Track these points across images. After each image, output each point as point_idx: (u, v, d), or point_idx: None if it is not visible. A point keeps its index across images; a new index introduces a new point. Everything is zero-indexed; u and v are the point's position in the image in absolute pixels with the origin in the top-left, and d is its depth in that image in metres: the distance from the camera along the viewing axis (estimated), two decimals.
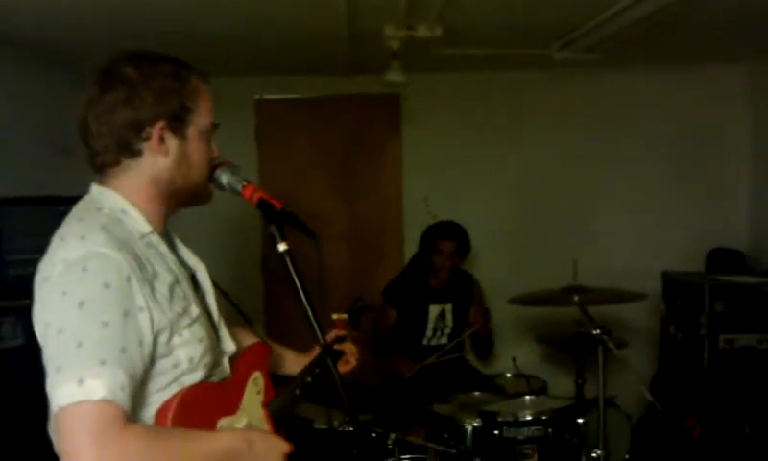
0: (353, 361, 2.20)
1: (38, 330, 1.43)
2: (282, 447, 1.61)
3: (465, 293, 4.26)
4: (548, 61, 4.11)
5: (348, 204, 4.96)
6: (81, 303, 1.36)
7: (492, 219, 4.87)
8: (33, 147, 3.70)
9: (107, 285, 1.38)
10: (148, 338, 1.42)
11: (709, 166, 4.96)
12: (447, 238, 4.12)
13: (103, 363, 1.33)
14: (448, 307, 4.21)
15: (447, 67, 4.58)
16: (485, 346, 4.31)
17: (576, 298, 3.35)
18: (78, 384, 1.31)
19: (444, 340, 4.17)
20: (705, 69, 4.84)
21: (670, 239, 4.88)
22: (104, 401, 1.31)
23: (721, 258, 4.72)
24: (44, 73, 3.88)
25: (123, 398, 1.34)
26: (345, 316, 2.29)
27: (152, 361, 1.46)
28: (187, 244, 1.75)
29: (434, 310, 4.19)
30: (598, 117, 4.91)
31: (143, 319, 1.41)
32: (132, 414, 1.41)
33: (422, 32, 3.45)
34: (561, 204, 4.94)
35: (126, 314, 1.39)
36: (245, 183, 1.68)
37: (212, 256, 1.91)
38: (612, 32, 3.47)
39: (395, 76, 3.69)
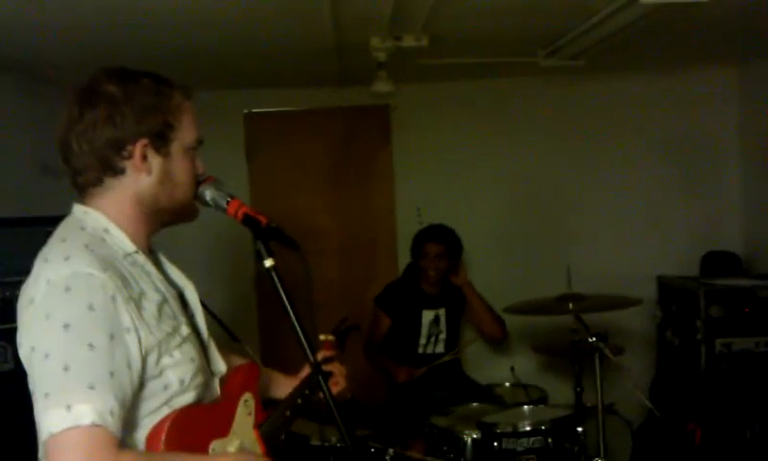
0: (342, 382, 2.15)
1: (23, 354, 1.39)
2: None
3: (457, 298, 4.21)
4: (535, 69, 4.11)
5: (339, 216, 4.93)
6: (66, 326, 1.32)
7: (485, 227, 4.85)
8: (17, 168, 3.66)
9: (91, 307, 1.34)
10: (136, 360, 1.39)
11: (701, 170, 4.94)
12: (433, 241, 4.10)
13: (91, 387, 1.30)
14: (441, 312, 4.17)
15: (435, 77, 4.57)
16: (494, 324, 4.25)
17: (571, 306, 3.34)
18: (66, 410, 1.27)
19: (439, 348, 4.13)
20: (693, 73, 4.84)
21: (664, 244, 4.87)
22: (93, 427, 1.28)
23: (716, 262, 4.71)
24: (27, 93, 3.84)
25: (113, 423, 1.31)
26: (332, 337, 2.26)
27: (141, 384, 1.42)
28: (176, 262, 1.72)
29: (427, 316, 4.15)
30: (589, 123, 4.89)
31: (130, 340, 1.38)
32: (122, 439, 1.38)
33: (409, 42, 3.43)
34: (553, 210, 4.92)
35: (112, 336, 1.35)
36: (229, 199, 1.64)
37: (205, 274, 1.90)
38: (598, 39, 3.46)
39: (382, 86, 3.68)
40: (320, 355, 2.13)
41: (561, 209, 4.92)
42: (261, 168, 4.84)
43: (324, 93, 4.77)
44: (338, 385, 2.14)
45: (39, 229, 1.52)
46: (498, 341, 4.41)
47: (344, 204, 4.94)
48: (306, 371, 2.05)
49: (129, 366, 1.37)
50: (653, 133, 4.91)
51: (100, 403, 1.29)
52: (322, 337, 2.23)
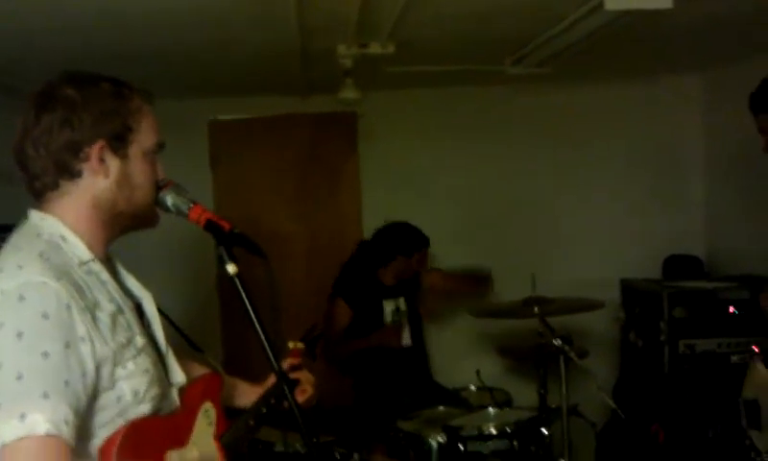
0: (310, 390, 2.13)
1: None
2: None
3: (414, 286, 4.24)
4: (502, 77, 4.14)
5: (306, 224, 4.92)
6: (19, 335, 1.30)
7: (451, 233, 4.87)
8: None
9: (45, 315, 1.32)
10: (91, 370, 1.37)
11: (665, 175, 5.03)
12: (428, 246, 4.20)
13: (45, 396, 1.28)
14: (401, 301, 4.18)
15: (402, 84, 4.59)
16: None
17: (536, 309, 3.37)
18: (20, 419, 1.25)
19: (405, 340, 4.12)
20: (658, 81, 4.92)
21: (628, 248, 4.93)
22: (48, 436, 1.26)
23: (678, 265, 4.78)
24: None
25: (68, 432, 1.29)
26: (301, 345, 2.24)
27: (95, 394, 1.40)
28: (135, 271, 1.70)
29: (389, 305, 4.15)
30: (554, 131, 4.95)
31: (85, 350, 1.36)
32: (75, 450, 1.36)
33: (375, 49, 3.45)
34: (519, 216, 4.97)
35: (67, 345, 1.33)
36: (191, 205, 1.62)
37: (166, 282, 1.88)
38: (564, 45, 3.50)
39: (349, 93, 3.69)
40: (286, 363, 2.10)
41: (526, 215, 4.97)
42: (226, 177, 4.82)
43: (290, 101, 4.77)
44: (305, 393, 2.12)
45: None
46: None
47: (310, 211, 4.94)
48: (272, 379, 2.03)
49: (83, 375, 1.35)
50: (618, 140, 4.99)
51: (54, 413, 1.27)
52: (291, 345, 2.21)
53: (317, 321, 2.72)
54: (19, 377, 1.28)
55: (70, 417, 1.30)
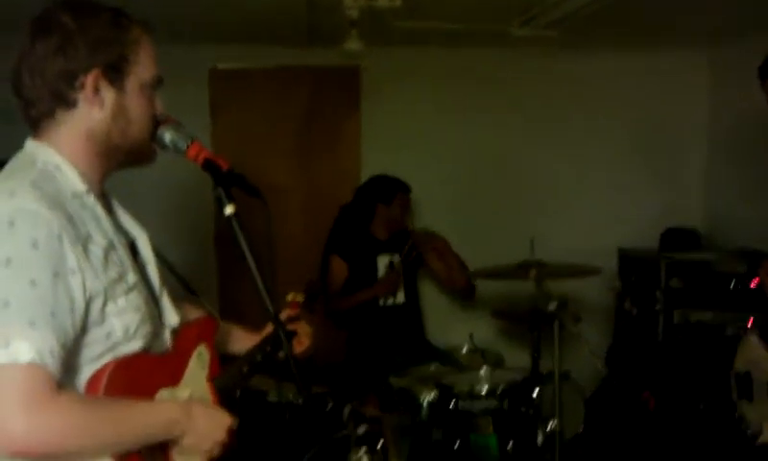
0: (307, 342, 2.13)
1: None
2: (226, 420, 1.54)
3: (404, 244, 4.22)
4: (509, 39, 4.09)
5: (304, 178, 4.88)
6: (7, 261, 1.28)
7: (450, 195, 4.86)
8: None
9: (35, 244, 1.30)
10: (80, 303, 1.34)
11: (666, 147, 5.01)
12: (406, 192, 4.18)
13: (32, 324, 1.25)
14: (396, 257, 4.18)
15: (408, 41, 4.52)
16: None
17: (533, 273, 3.36)
18: (4, 346, 1.23)
19: (400, 298, 4.12)
20: (664, 54, 4.86)
21: (626, 218, 4.93)
22: (32, 365, 1.24)
23: (675, 238, 4.77)
24: None
25: (53, 363, 1.27)
26: (300, 297, 2.23)
27: (84, 329, 1.38)
28: (130, 210, 1.68)
29: (383, 260, 4.15)
30: (558, 96, 4.91)
31: (74, 282, 1.33)
32: (62, 384, 1.35)
33: (382, 1, 3.39)
34: (519, 181, 4.94)
35: (56, 275, 1.31)
36: (189, 142, 1.59)
37: (162, 226, 1.86)
38: (573, 9, 3.46)
39: (353, 45, 3.63)
40: (284, 314, 2.10)
41: (527, 180, 4.94)
42: (225, 127, 4.75)
43: (292, 52, 4.69)
44: (302, 345, 2.12)
45: None
46: (463, 292, 4.46)
47: (309, 165, 4.89)
48: (269, 328, 2.02)
49: (71, 308, 1.32)
50: (621, 110, 4.95)
51: (40, 342, 1.25)
52: (290, 297, 2.21)
53: (314, 275, 2.71)
54: (5, 304, 1.26)
55: (56, 348, 1.28)
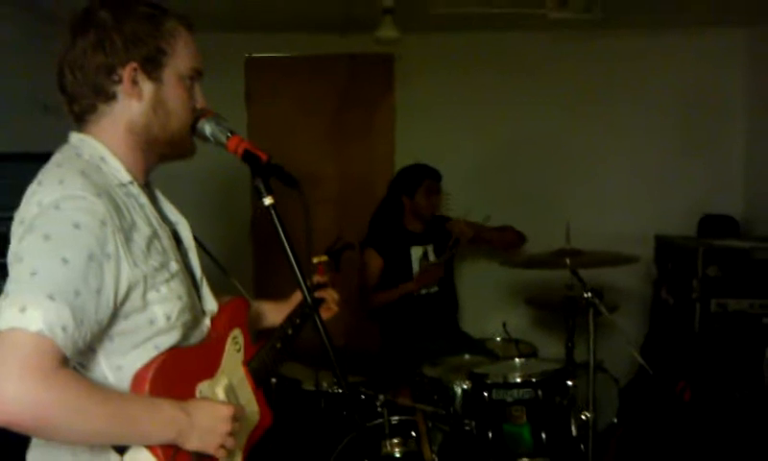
0: (334, 307, 2.14)
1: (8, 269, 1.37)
2: (224, 411, 1.50)
3: (442, 233, 4.18)
4: (544, 22, 4.04)
5: (338, 166, 4.90)
6: (46, 236, 1.31)
7: (485, 181, 4.83)
8: (17, 104, 3.62)
9: (77, 225, 1.33)
10: (109, 290, 1.35)
11: (705, 132, 4.91)
12: (434, 178, 4.11)
13: (51, 298, 1.26)
14: (430, 248, 4.15)
15: (442, 27, 4.50)
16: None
17: (568, 261, 3.33)
18: (20, 311, 1.24)
19: (434, 288, 4.10)
20: (703, 33, 4.78)
21: (664, 204, 4.85)
22: (40, 335, 1.24)
23: (713, 224, 4.70)
24: (25, 28, 3.78)
25: (63, 339, 1.26)
26: (325, 258, 2.24)
27: (123, 315, 1.41)
28: (171, 201, 1.70)
29: (416, 252, 4.13)
30: (595, 80, 4.85)
31: (108, 268, 1.35)
32: (103, 376, 1.39)
33: None
34: (554, 167, 4.89)
35: (91, 258, 1.32)
36: (229, 134, 1.61)
37: (200, 217, 1.87)
38: None
39: (387, 32, 3.62)
40: (312, 281, 2.11)
41: (563, 166, 4.89)
42: (260, 115, 4.79)
43: (327, 39, 4.70)
44: (330, 311, 2.14)
45: (37, 165, 1.50)
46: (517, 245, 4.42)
47: (344, 153, 4.91)
48: (298, 295, 2.03)
49: (98, 292, 1.33)
50: (658, 93, 4.87)
51: (54, 315, 1.26)
52: (315, 260, 2.21)
53: (341, 235, 2.71)
54: (33, 274, 1.28)
55: (70, 326, 1.28)
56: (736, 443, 3.62)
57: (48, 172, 1.44)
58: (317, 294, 2.11)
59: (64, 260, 1.30)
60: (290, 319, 1.98)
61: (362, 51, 4.66)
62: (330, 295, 2.15)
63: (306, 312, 1.94)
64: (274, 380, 3.11)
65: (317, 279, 2.16)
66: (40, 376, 1.24)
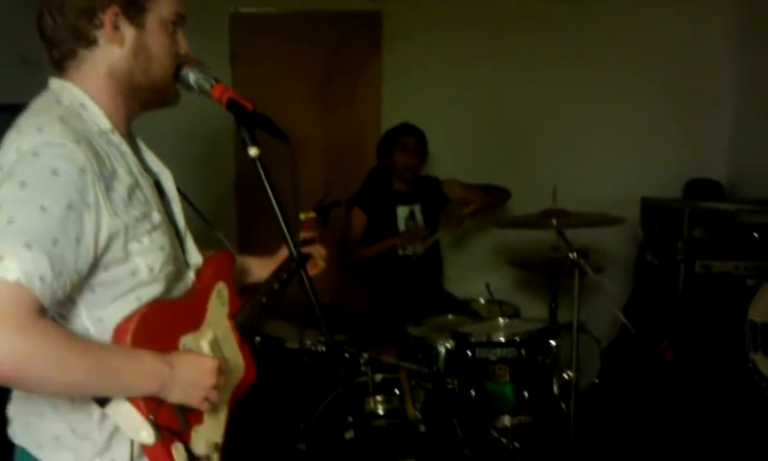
0: (321, 264, 2.12)
1: None
2: (208, 363, 1.48)
3: (432, 194, 4.19)
4: None
5: (325, 124, 4.86)
6: (23, 183, 1.28)
7: (472, 144, 4.81)
8: None
9: (55, 172, 1.29)
10: (89, 239, 1.33)
11: (692, 97, 4.90)
12: (409, 134, 4.09)
13: (28, 246, 1.23)
14: (417, 208, 4.15)
15: None
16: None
17: (554, 221, 3.33)
18: None
19: (419, 248, 4.10)
20: (691, 1, 4.75)
21: (650, 168, 4.85)
22: (17, 284, 1.21)
23: (699, 189, 4.71)
24: None
25: (41, 289, 1.24)
26: (313, 214, 2.22)
27: (103, 266, 1.38)
28: (154, 151, 1.67)
29: (402, 211, 4.12)
30: (584, 45, 4.81)
31: (88, 217, 1.32)
32: (84, 328, 1.36)
33: None
34: (543, 129, 4.88)
35: (70, 207, 1.29)
36: (214, 82, 1.57)
37: (182, 174, 1.84)
38: None
39: None
40: (299, 237, 2.09)
41: (550, 128, 4.87)
42: (245, 73, 4.71)
43: None
44: (317, 267, 2.12)
45: (14, 116, 1.46)
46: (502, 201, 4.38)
47: (330, 111, 4.86)
48: (284, 251, 2.02)
49: (77, 241, 1.31)
50: (648, 60, 4.83)
51: (31, 265, 1.23)
52: (302, 216, 2.18)
53: (329, 192, 2.70)
54: (10, 222, 1.25)
55: (48, 275, 1.25)
56: (716, 403, 3.66)
57: (27, 119, 1.41)
58: (304, 250, 2.09)
59: (42, 208, 1.26)
60: (276, 274, 1.96)
61: (350, 8, 4.59)
62: (318, 251, 2.13)
63: (293, 268, 1.92)
64: (258, 339, 3.11)
65: (304, 234, 2.13)
66: (17, 325, 1.21)
